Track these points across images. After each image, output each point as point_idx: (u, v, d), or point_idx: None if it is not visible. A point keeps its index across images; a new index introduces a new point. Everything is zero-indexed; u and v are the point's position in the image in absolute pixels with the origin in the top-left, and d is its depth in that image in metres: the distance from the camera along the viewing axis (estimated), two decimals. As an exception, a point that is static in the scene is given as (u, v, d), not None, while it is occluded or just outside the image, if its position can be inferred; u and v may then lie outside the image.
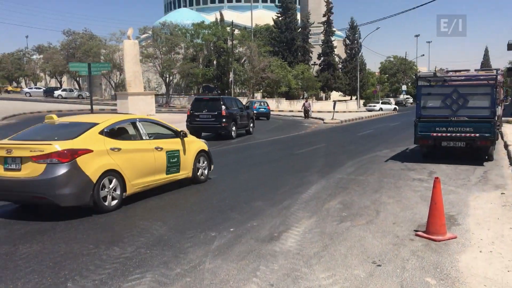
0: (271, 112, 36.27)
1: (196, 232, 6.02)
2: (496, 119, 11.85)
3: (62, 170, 6.63)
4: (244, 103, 24.46)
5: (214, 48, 53.34)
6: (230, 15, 65.37)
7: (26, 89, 64.92)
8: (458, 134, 11.67)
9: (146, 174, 8.00)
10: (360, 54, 62.31)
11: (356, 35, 62.37)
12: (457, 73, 12.42)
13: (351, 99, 62.37)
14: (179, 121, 27.53)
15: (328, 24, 59.18)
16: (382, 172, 10.80)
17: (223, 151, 15.51)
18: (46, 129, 7.96)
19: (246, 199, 8.08)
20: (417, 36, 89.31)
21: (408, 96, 71.06)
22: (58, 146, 6.73)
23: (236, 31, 52.16)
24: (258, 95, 53.97)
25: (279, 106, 50.25)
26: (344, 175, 10.38)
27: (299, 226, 6.28)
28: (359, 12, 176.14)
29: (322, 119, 33.50)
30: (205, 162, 9.80)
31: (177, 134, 9.14)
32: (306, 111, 35.57)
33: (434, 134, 11.90)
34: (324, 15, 59.22)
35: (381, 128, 26.82)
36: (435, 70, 12.52)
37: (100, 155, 7.13)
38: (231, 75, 49.11)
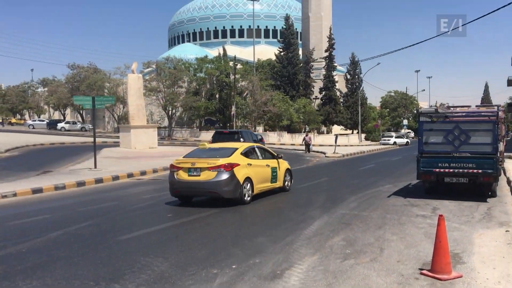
0: (273, 146, 36.39)
1: (198, 269, 5.95)
2: (499, 155, 11.86)
3: (226, 175, 10.60)
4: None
5: (217, 82, 53.98)
6: (233, 50, 66.45)
7: (29, 122, 65.36)
8: (460, 170, 11.65)
9: (262, 181, 12.02)
10: (361, 88, 62.91)
11: (357, 70, 63.12)
12: (458, 109, 12.51)
13: (352, 133, 62.56)
14: (180, 154, 27.61)
15: (329, 59, 59.98)
16: (385, 207, 10.74)
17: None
18: (204, 152, 11.79)
19: (248, 234, 8.02)
20: (417, 71, 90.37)
21: (409, 131, 71.32)
22: (223, 161, 10.77)
23: (239, 66, 52.90)
24: (260, 129, 54.25)
25: (281, 140, 50.40)
26: (347, 210, 10.32)
27: (302, 264, 6.20)
28: (360, 47, 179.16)
29: (324, 153, 33.52)
30: (289, 177, 13.71)
31: (274, 156, 13.19)
32: (307, 145, 35.64)
33: (437, 170, 11.89)
34: (326, 51, 60.09)
35: (383, 162, 26.79)
36: (436, 106, 12.62)
37: (243, 167, 11.13)
38: (233, 108, 49.51)
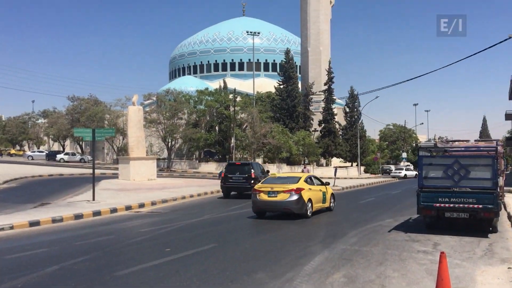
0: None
1: (196, 307, 5.83)
2: (499, 190, 11.83)
3: (296, 197, 14.51)
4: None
5: (217, 114, 54.29)
6: (233, 83, 67.15)
7: (28, 153, 65.31)
8: (461, 205, 11.59)
9: (317, 202, 15.87)
10: (360, 121, 63.26)
11: (356, 103, 63.63)
12: (457, 143, 12.55)
13: (351, 165, 62.55)
14: (180, 186, 27.55)
15: (328, 92, 60.53)
16: (386, 243, 10.63)
17: (229, 217, 15.36)
18: (276, 179, 16.17)
19: (248, 270, 7.90)
20: (415, 105, 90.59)
21: (409, 164, 71.28)
22: (293, 186, 14.73)
23: (238, 98, 53.34)
24: (259, 160, 54.21)
25: (280, 172, 50.27)
26: (348, 245, 10.21)
27: (302, 301, 6.09)
28: (358, 79, 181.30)
29: (323, 186, 33.33)
30: (333, 200, 17.59)
31: (323, 183, 17.06)
32: None
33: (437, 204, 11.82)
34: (325, 84, 60.70)
35: (383, 196, 26.67)
36: (435, 141, 12.67)
37: (306, 191, 15.01)
38: (233, 140, 49.62)
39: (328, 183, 17.67)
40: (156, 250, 9.84)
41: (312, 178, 16.71)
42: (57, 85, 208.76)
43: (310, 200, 15.06)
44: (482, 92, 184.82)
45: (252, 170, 23.05)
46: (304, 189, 14.88)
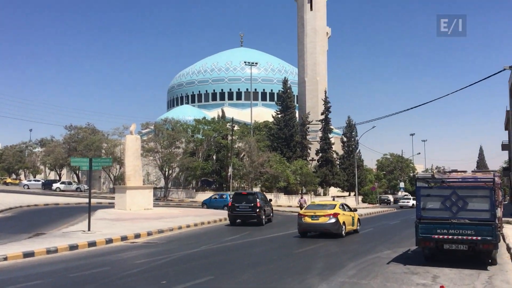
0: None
1: None
2: (497, 221, 11.77)
3: (334, 220, 17.97)
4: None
5: (214, 143, 54.40)
6: (231, 112, 67.54)
7: (24, 182, 64.97)
8: (460, 237, 11.50)
9: (349, 224, 19.38)
10: (357, 151, 63.40)
11: (353, 133, 63.94)
12: (455, 174, 12.56)
13: (349, 195, 62.37)
14: (176, 216, 27.31)
15: (326, 122, 60.88)
16: (385, 275, 10.49)
17: (226, 248, 15.19)
18: (316, 206, 20.01)
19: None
20: (412, 134, 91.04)
21: (407, 194, 71.16)
22: (332, 211, 18.18)
23: (236, 127, 53.55)
24: (256, 190, 54.00)
25: (278, 201, 50.01)
26: (346, 278, 10.07)
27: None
28: (355, 108, 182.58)
29: (321, 216, 33.09)
30: (359, 223, 21.24)
31: (351, 210, 20.73)
32: (302, 208, 35.22)
33: (436, 236, 11.73)
34: (322, 113, 61.12)
35: (381, 226, 26.45)
36: (432, 172, 12.69)
37: (341, 215, 18.48)
38: (230, 169, 49.56)
39: (356, 209, 21.89)
40: (152, 282, 9.69)
41: (344, 205, 20.41)
42: (55, 114, 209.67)
43: (344, 223, 18.73)
44: (478, 121, 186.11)
45: (257, 199, 24.76)
46: (339, 214, 18.59)
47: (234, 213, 24.73)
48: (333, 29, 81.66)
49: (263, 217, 24.92)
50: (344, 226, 18.59)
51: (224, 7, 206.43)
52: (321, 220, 18.18)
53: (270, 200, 29.45)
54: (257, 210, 24.21)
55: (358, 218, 21.25)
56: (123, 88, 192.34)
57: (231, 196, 28.08)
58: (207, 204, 39.86)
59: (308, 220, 18.42)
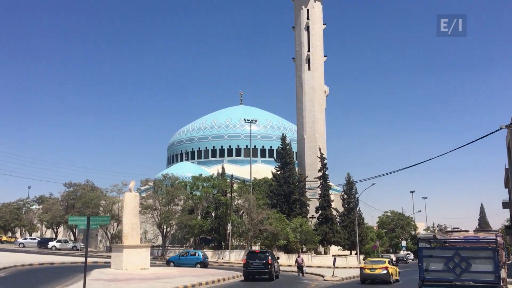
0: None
1: None
2: (502, 283, 11.51)
3: (386, 271, 27.10)
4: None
5: (213, 200, 54.01)
6: (230, 169, 67.60)
7: (20, 240, 63.90)
8: (464, 300, 11.21)
9: (394, 275, 27.72)
10: (357, 208, 62.85)
11: (353, 190, 63.61)
12: (457, 234, 12.40)
13: (350, 253, 61.18)
14: (173, 276, 26.68)
15: (323, 178, 60.66)
16: None
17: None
18: (371, 262, 29.21)
19: None
20: (412, 192, 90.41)
21: (409, 252, 70.03)
22: (384, 266, 27.53)
23: (235, 185, 53.37)
24: (256, 248, 53.04)
25: (277, 260, 48.91)
26: None
27: None
28: (355, 166, 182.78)
29: (322, 276, 32.42)
30: (399, 275, 29.09)
31: (394, 265, 30.53)
32: (300, 267, 34.36)
33: (440, 299, 11.44)
34: (319, 170, 61.05)
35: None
36: (434, 232, 12.55)
37: (390, 268, 27.84)
38: (229, 227, 48.91)
39: (397, 264, 29.86)
40: None
41: (390, 261, 30.02)
42: (54, 171, 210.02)
43: (391, 273, 27.01)
44: (477, 178, 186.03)
45: (269, 257, 28.21)
46: (389, 267, 27.34)
47: (249, 270, 27.78)
48: (331, 87, 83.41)
49: (274, 273, 28.19)
50: (392, 276, 26.94)
51: (224, 66, 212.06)
52: (377, 271, 26.92)
53: (278, 257, 32.76)
54: (269, 266, 27.53)
55: (399, 271, 29.88)
56: (123, 145, 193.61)
57: (246, 254, 31.46)
58: (175, 261, 38.06)
59: (367, 271, 27.26)
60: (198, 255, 38.54)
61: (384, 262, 27.95)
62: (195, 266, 36.28)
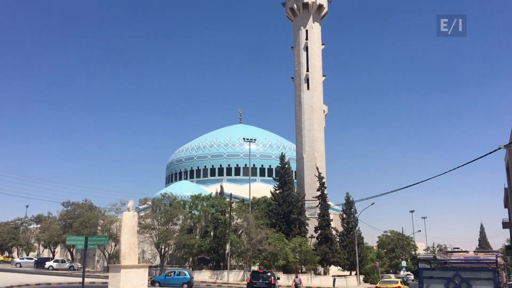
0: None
1: None
2: (504, 305, 11.39)
3: None
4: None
5: (212, 219, 53.69)
6: (229, 188, 67.43)
7: (17, 260, 63.31)
8: (466, 322, 11.06)
9: None
10: (357, 228, 62.46)
11: (352, 209, 63.30)
12: (457, 254, 12.32)
13: (350, 274, 60.60)
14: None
15: (322, 198, 60.37)
16: None
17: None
18: (385, 282, 37.79)
19: None
20: (412, 211, 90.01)
21: (409, 273, 69.41)
22: (396, 285, 35.35)
23: (234, 204, 53.13)
24: (255, 268, 52.55)
25: (277, 281, 48.41)
26: None
27: None
28: (355, 185, 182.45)
29: (322, 297, 32.08)
30: None
31: (406, 284, 41.57)
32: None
33: (441, 321, 11.30)
34: (317, 190, 60.79)
35: None
36: (434, 253, 12.48)
37: (402, 287, 35.80)
38: (228, 246, 48.54)
39: (408, 284, 30.74)
40: None
41: (402, 282, 33.12)
42: (53, 191, 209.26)
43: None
44: (477, 198, 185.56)
45: (271, 277, 31.09)
46: (401, 286, 31.25)
47: None
48: (330, 107, 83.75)
49: None
50: None
51: (223, 85, 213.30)
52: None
53: (278, 278, 35.74)
54: (272, 286, 30.56)
55: None
56: (122, 164, 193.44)
57: (250, 274, 34.90)
58: (160, 282, 36.83)
59: None
60: (185, 275, 37.60)
61: (397, 282, 33.43)
62: (182, 286, 35.51)
